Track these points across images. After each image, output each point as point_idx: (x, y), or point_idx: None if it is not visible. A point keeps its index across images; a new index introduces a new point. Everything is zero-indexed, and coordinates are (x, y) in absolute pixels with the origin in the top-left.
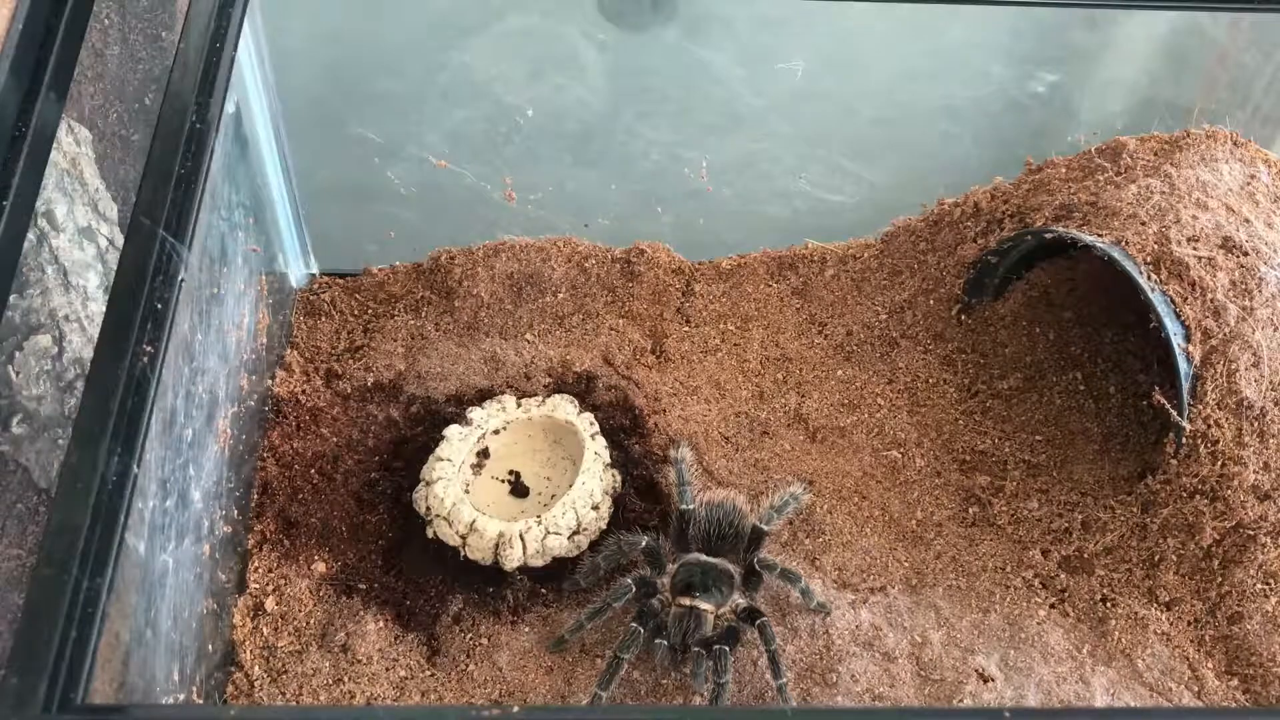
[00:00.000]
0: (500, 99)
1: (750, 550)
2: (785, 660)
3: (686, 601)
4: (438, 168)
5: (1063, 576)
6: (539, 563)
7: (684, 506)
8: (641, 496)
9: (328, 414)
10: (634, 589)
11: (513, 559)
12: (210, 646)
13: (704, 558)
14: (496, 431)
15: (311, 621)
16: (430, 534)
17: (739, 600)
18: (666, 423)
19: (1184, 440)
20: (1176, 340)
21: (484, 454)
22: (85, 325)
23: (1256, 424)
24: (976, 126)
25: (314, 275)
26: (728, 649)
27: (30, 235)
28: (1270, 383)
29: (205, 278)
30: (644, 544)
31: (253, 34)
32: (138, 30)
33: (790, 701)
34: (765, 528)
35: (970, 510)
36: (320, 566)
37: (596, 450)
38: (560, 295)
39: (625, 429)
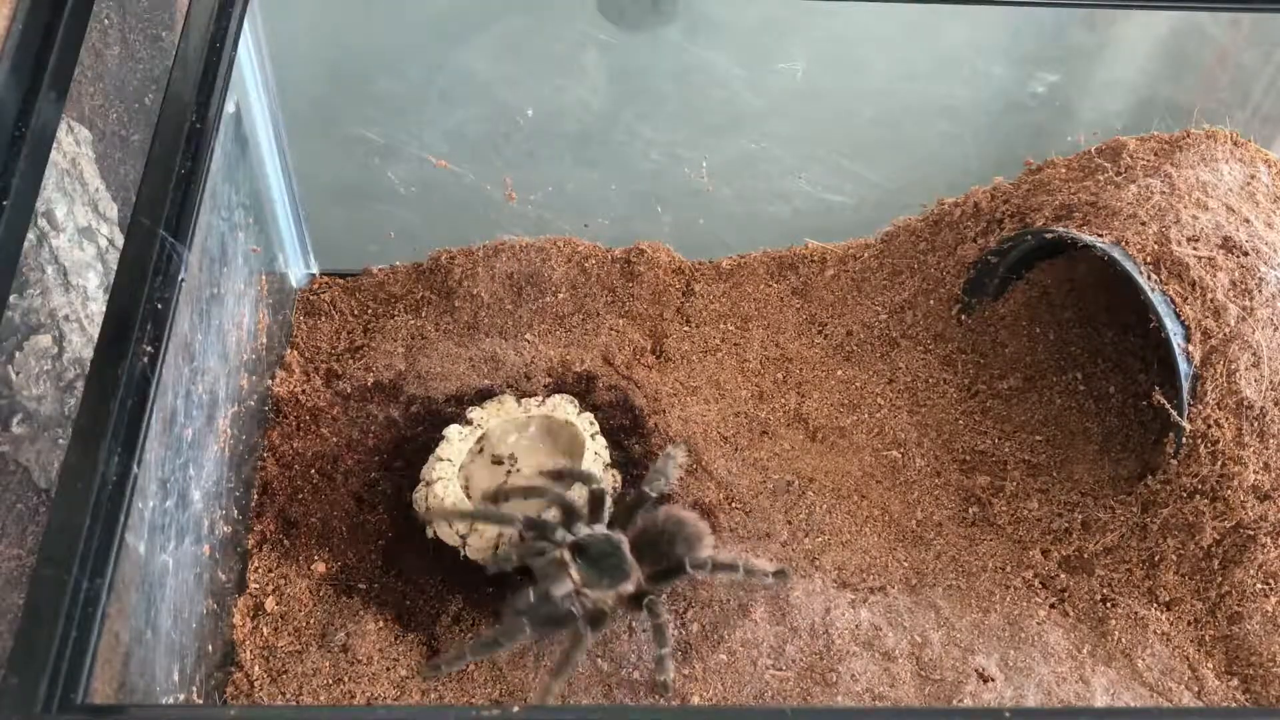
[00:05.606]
0: (500, 99)
1: (668, 577)
2: (670, 634)
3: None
4: (438, 168)
5: (1063, 576)
6: None
7: (646, 489)
8: None
9: (328, 414)
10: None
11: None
12: (210, 646)
13: (610, 532)
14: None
15: (311, 621)
16: (430, 534)
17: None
18: (666, 423)
19: (1184, 440)
20: (1176, 340)
21: (482, 439)
22: (85, 325)
23: (1256, 424)
24: (976, 126)
25: (314, 275)
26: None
27: (30, 235)
28: (1270, 383)
29: (205, 278)
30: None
31: (253, 34)
32: (138, 30)
33: (669, 673)
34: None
35: (970, 510)
36: (320, 566)
37: (596, 450)
38: (560, 295)
39: (625, 429)
